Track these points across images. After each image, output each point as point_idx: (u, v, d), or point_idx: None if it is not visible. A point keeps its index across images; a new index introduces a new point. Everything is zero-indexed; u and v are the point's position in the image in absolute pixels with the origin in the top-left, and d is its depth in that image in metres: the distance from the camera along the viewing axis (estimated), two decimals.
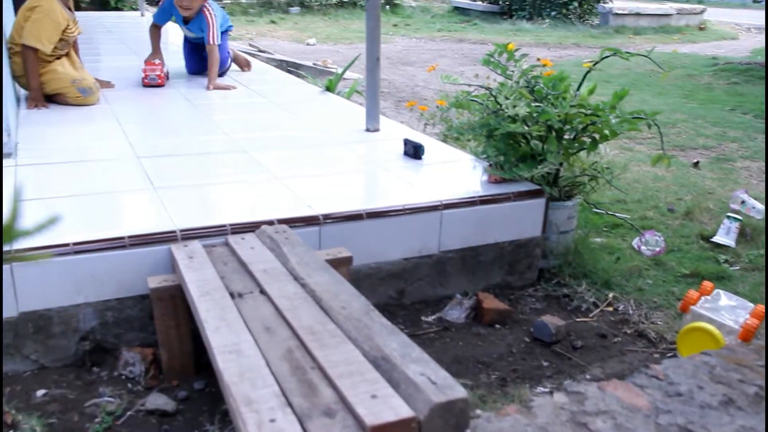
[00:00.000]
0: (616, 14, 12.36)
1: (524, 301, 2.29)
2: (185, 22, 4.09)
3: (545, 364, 1.93)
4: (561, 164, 2.37)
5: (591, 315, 2.20)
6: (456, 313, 2.15)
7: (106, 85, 3.81)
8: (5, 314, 1.72)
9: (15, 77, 3.32)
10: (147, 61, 4.01)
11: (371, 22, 2.89)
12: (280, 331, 1.35)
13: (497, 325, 2.11)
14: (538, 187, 2.34)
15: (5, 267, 1.69)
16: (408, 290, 2.19)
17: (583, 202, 2.54)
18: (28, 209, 2.00)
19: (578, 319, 2.18)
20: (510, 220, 2.28)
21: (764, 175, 3.62)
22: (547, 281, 2.39)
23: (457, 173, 2.50)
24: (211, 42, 3.96)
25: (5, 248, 0.41)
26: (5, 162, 2.39)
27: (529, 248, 2.35)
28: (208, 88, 3.95)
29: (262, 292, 1.56)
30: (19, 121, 2.99)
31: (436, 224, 2.17)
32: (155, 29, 4.20)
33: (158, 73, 3.97)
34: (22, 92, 3.48)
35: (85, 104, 3.37)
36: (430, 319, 2.14)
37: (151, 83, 3.94)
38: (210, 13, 3.98)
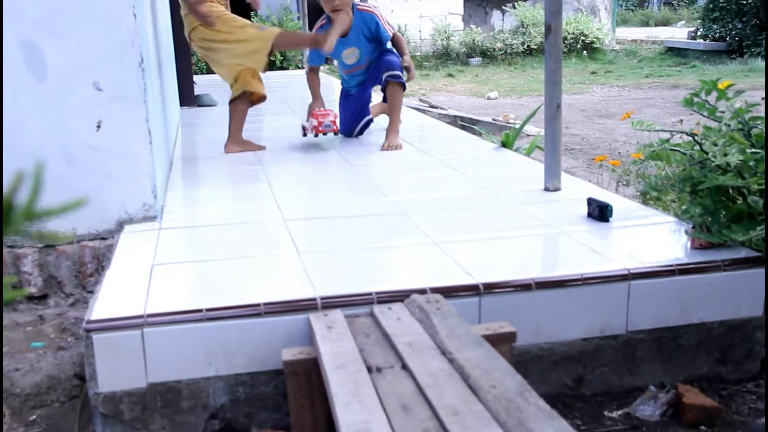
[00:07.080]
0: None
1: (740, 399, 2.13)
2: (343, 35, 4.17)
3: None
4: None
5: None
6: (649, 408, 2.04)
7: (257, 147, 4.06)
8: (135, 385, 1.87)
9: None
10: (314, 111, 4.15)
11: (551, 63, 2.91)
12: (419, 411, 1.36)
13: (702, 427, 1.98)
14: (758, 254, 2.20)
15: (136, 332, 1.85)
16: (588, 378, 2.12)
17: None
18: (160, 273, 2.19)
19: None
20: (720, 295, 2.16)
21: None
22: None
23: (652, 238, 2.42)
24: (391, 32, 4.18)
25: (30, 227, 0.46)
26: (150, 225, 2.64)
27: (746, 332, 2.20)
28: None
29: (404, 367, 1.58)
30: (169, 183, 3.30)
31: (623, 298, 2.10)
32: (313, 74, 4.34)
33: (332, 119, 4.09)
34: (176, 154, 3.84)
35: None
36: (615, 414, 2.05)
37: (326, 130, 4.10)
38: (372, 8, 4.20)
